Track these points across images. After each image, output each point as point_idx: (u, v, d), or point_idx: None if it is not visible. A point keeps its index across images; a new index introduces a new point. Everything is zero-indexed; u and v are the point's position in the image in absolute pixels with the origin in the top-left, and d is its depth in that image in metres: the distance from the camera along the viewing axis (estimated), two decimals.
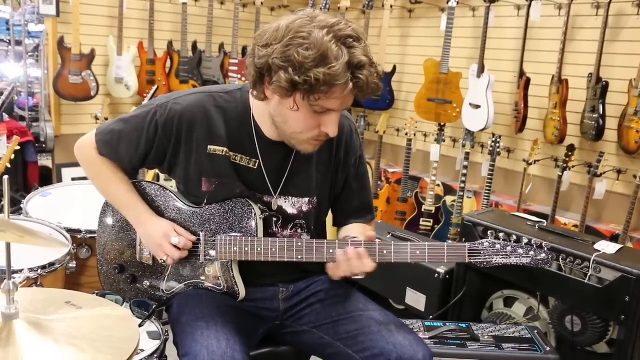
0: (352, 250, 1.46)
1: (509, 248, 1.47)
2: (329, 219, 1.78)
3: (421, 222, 3.87)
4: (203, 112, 1.56)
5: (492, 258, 1.47)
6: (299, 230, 1.65)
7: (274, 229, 1.62)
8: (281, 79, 1.32)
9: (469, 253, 1.47)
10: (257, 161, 1.58)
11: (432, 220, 3.85)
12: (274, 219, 1.62)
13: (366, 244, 1.48)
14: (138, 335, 1.12)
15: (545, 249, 1.47)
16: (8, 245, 1.09)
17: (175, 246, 1.57)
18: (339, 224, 1.77)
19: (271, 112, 1.47)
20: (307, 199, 1.63)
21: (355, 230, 1.67)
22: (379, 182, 4.27)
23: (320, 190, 1.65)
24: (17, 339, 1.03)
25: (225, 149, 1.56)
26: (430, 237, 3.79)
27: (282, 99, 1.38)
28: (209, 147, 1.56)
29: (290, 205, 1.62)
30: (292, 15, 1.36)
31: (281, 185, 1.60)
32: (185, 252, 1.59)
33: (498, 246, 1.47)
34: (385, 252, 1.47)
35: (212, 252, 1.58)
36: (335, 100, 1.36)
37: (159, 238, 1.57)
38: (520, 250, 1.47)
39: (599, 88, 3.08)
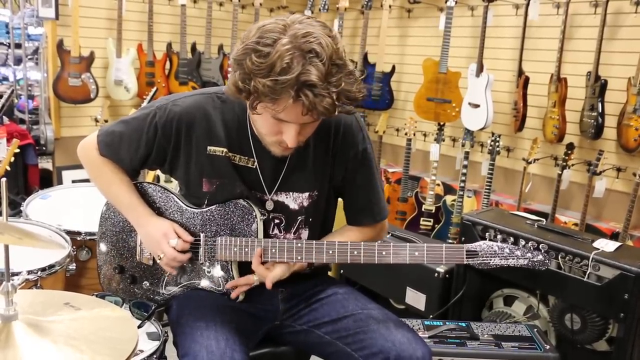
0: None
1: (506, 250, 1.47)
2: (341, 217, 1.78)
3: (421, 222, 3.87)
4: (202, 113, 1.56)
5: (490, 260, 1.47)
6: (302, 232, 1.65)
7: (273, 233, 1.62)
8: (230, 79, 1.35)
9: (466, 254, 1.47)
10: (255, 161, 1.58)
11: (432, 220, 3.85)
12: (276, 221, 1.62)
13: (365, 245, 1.49)
14: (137, 336, 1.12)
15: (543, 251, 1.48)
16: (6, 247, 1.09)
17: (173, 247, 1.57)
18: (348, 221, 1.74)
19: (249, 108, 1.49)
20: (307, 194, 1.63)
21: (347, 235, 1.68)
22: None
23: (319, 183, 1.64)
24: (16, 340, 1.03)
25: (224, 150, 1.56)
26: (430, 236, 3.80)
27: None
28: (208, 147, 1.56)
29: (292, 201, 1.62)
30: (278, 18, 1.33)
31: (277, 184, 1.60)
32: (184, 256, 1.58)
33: (496, 248, 1.48)
34: (384, 253, 1.48)
35: (212, 253, 1.58)
36: (281, 111, 1.32)
37: (159, 237, 1.58)
38: (518, 252, 1.47)
39: (598, 86, 3.08)
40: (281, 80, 1.24)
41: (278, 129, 1.41)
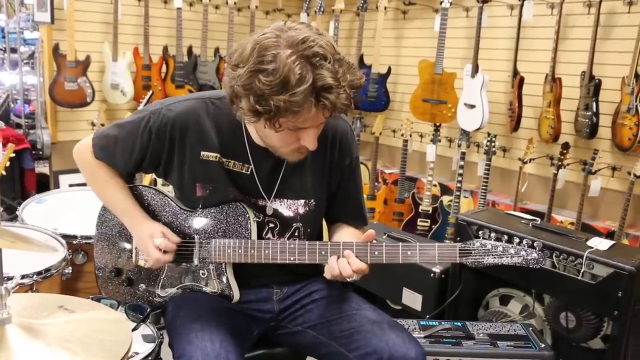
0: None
1: (500, 248, 1.47)
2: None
3: (418, 223, 3.88)
4: (195, 118, 1.57)
5: (483, 258, 1.47)
6: (297, 240, 1.65)
7: (267, 236, 1.62)
8: (244, 106, 1.33)
9: (459, 253, 1.47)
10: (250, 167, 1.59)
11: (429, 221, 3.86)
12: (271, 225, 1.63)
13: (358, 244, 1.49)
14: (130, 338, 1.13)
15: (537, 249, 1.47)
16: None
17: (158, 248, 1.57)
18: (332, 221, 1.77)
19: (254, 125, 1.49)
20: (302, 201, 1.64)
21: (351, 237, 1.67)
22: (376, 184, 4.28)
23: (316, 193, 1.65)
24: (9, 343, 1.04)
25: (217, 155, 1.57)
26: (427, 237, 3.80)
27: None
28: (202, 153, 1.57)
29: (286, 208, 1.63)
30: (262, 32, 1.33)
31: (275, 189, 1.61)
32: (168, 256, 1.58)
33: (489, 246, 1.47)
34: (376, 253, 1.48)
35: (207, 255, 1.59)
36: (304, 121, 1.34)
37: (146, 238, 1.59)
38: (512, 250, 1.46)
39: (592, 86, 3.10)
40: (299, 92, 1.25)
41: (295, 137, 1.42)
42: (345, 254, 1.47)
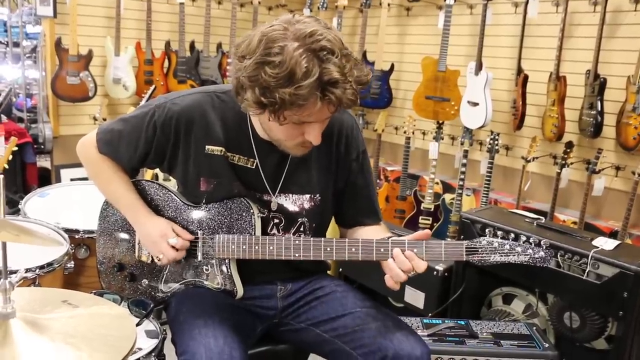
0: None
1: (506, 246, 1.45)
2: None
3: (420, 220, 3.87)
4: (201, 112, 1.56)
5: (490, 256, 1.46)
6: (302, 236, 1.64)
7: (272, 232, 1.61)
8: (249, 98, 1.32)
9: (466, 251, 1.46)
10: (255, 161, 1.58)
11: (431, 218, 3.85)
12: (276, 221, 1.62)
13: (364, 241, 1.48)
14: (135, 334, 1.12)
15: (544, 247, 1.45)
16: (3, 245, 1.09)
17: (172, 246, 1.57)
18: (347, 224, 1.74)
19: (259, 118, 1.48)
20: (308, 196, 1.63)
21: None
22: (378, 181, 4.27)
23: (322, 187, 1.64)
24: (13, 338, 1.03)
25: (222, 149, 1.56)
26: None
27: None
28: (206, 147, 1.56)
29: (291, 203, 1.62)
30: (270, 24, 1.32)
31: (280, 184, 1.60)
32: (183, 253, 1.59)
33: (496, 244, 1.46)
34: (382, 250, 1.47)
35: (210, 251, 1.58)
36: (309, 115, 1.33)
37: (157, 237, 1.58)
38: (518, 249, 1.45)
39: (597, 85, 3.08)
40: (305, 85, 1.24)
41: (299, 131, 1.41)
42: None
